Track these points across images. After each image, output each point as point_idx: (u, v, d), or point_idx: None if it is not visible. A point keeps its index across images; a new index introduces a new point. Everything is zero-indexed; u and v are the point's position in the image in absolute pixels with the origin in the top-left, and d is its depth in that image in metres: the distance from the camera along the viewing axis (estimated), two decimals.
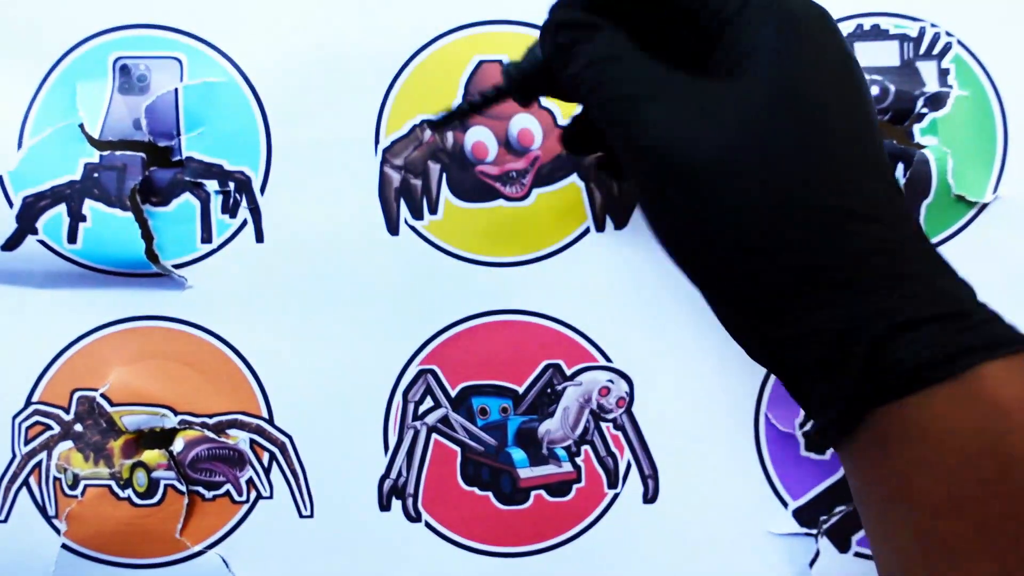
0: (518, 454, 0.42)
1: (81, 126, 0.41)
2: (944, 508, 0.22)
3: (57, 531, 0.42)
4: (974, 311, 0.23)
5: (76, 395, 0.42)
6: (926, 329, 0.22)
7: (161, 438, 0.43)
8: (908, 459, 0.22)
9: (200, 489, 0.42)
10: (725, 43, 0.25)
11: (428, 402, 0.43)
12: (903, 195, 0.25)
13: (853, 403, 0.23)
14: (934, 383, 0.22)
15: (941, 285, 0.23)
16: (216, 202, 0.42)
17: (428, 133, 0.42)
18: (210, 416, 0.42)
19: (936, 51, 0.42)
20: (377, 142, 0.42)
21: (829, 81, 0.24)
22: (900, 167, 0.41)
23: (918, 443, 0.22)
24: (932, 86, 0.42)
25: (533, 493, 0.42)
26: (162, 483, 0.42)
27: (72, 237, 0.41)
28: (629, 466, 0.42)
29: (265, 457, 0.43)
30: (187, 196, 0.42)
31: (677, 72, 0.25)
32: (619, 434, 0.42)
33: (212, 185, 0.42)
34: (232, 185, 0.42)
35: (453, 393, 0.43)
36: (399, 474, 0.43)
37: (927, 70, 0.42)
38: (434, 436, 0.43)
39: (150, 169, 0.42)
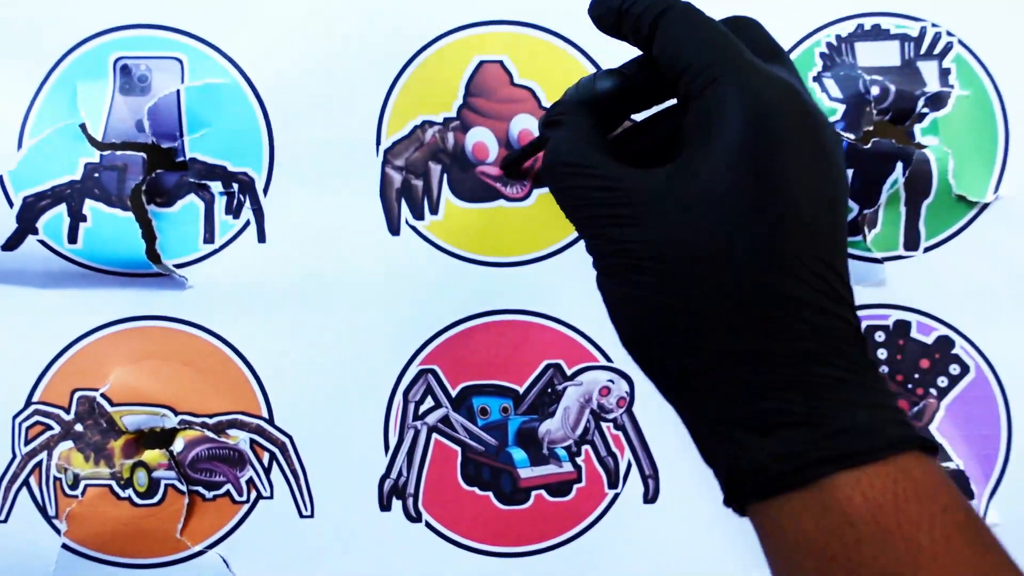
0: (518, 454, 0.42)
1: (83, 127, 0.41)
2: None
3: (57, 531, 0.42)
4: (844, 420, 0.23)
5: (76, 395, 0.42)
6: (788, 435, 0.23)
7: (161, 438, 0.42)
8: (779, 550, 0.24)
9: (200, 489, 0.42)
10: (689, 119, 0.26)
11: (428, 402, 0.42)
12: (849, 290, 0.25)
13: (728, 492, 0.25)
14: (790, 490, 0.23)
15: (841, 395, 0.24)
16: (220, 203, 0.42)
17: (429, 134, 0.42)
18: (210, 416, 0.42)
19: (937, 51, 0.42)
20: (378, 143, 0.42)
21: (786, 176, 0.24)
22: (900, 167, 0.40)
23: (783, 540, 0.23)
24: (933, 86, 0.41)
25: (533, 493, 0.42)
26: (162, 483, 0.42)
27: (72, 237, 0.41)
28: (629, 466, 0.42)
29: (265, 457, 0.42)
30: (192, 197, 0.42)
31: (627, 169, 0.26)
32: (619, 434, 0.42)
33: (216, 186, 0.42)
34: (236, 186, 0.42)
35: (453, 393, 0.42)
36: (399, 474, 0.42)
37: (928, 70, 0.42)
38: (434, 436, 0.42)
39: (156, 172, 0.42)
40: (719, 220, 0.24)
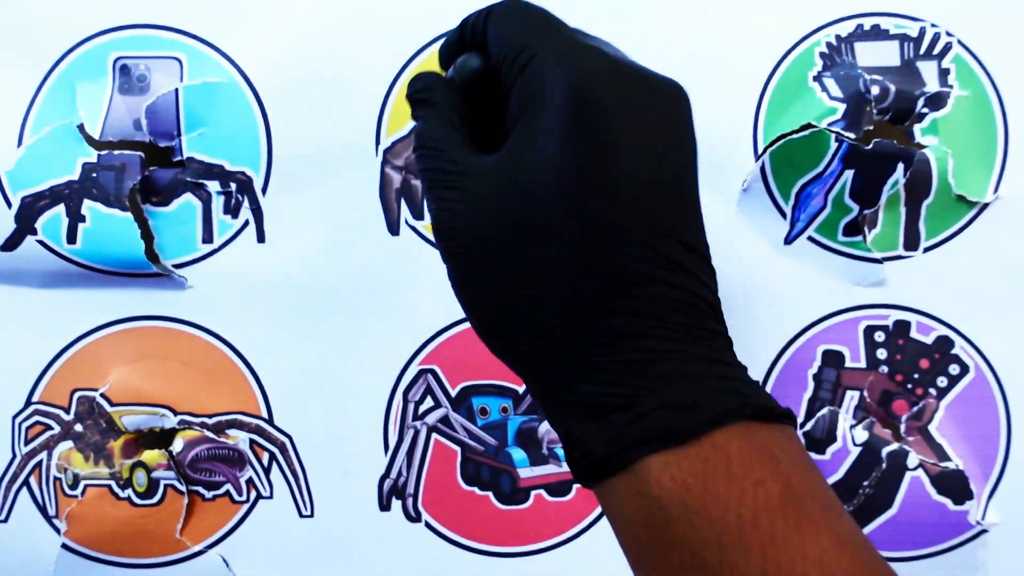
0: (518, 454, 0.42)
1: (81, 126, 0.41)
2: None
3: (57, 531, 0.42)
4: (660, 399, 0.23)
5: (76, 395, 0.42)
6: (609, 418, 0.23)
7: (161, 438, 0.42)
8: (614, 529, 0.24)
9: (200, 489, 0.42)
10: (513, 101, 0.26)
11: (428, 402, 0.42)
12: (700, 255, 0.25)
13: (574, 475, 0.25)
14: (612, 474, 0.23)
15: (655, 371, 0.23)
16: (218, 202, 0.42)
17: None
18: (210, 416, 0.42)
19: (936, 51, 0.41)
20: (378, 143, 0.42)
21: (604, 142, 0.24)
22: (900, 167, 0.40)
23: (614, 521, 0.24)
24: (932, 86, 0.41)
25: (533, 493, 0.42)
26: (162, 483, 0.42)
27: (71, 237, 0.41)
28: None
29: (265, 457, 0.42)
30: (188, 196, 0.42)
31: (472, 159, 0.26)
32: None
33: (214, 186, 0.42)
34: (234, 186, 0.42)
35: (453, 393, 0.42)
36: (399, 474, 0.42)
37: (927, 70, 0.41)
38: (434, 436, 0.42)
39: (150, 169, 0.41)
40: (540, 197, 0.24)
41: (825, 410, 0.42)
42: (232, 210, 0.42)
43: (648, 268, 0.23)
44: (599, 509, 0.42)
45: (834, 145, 0.40)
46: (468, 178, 0.25)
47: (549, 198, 0.24)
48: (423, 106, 0.28)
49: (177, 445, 0.41)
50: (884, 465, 0.41)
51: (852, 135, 0.40)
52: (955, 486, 0.41)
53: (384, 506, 0.42)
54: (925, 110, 0.41)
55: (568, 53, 0.25)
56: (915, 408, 0.42)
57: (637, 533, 0.23)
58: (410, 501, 0.42)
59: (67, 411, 0.42)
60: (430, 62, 0.42)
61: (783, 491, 0.21)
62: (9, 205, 0.41)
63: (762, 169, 0.42)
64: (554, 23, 0.26)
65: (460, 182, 0.25)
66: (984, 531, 0.41)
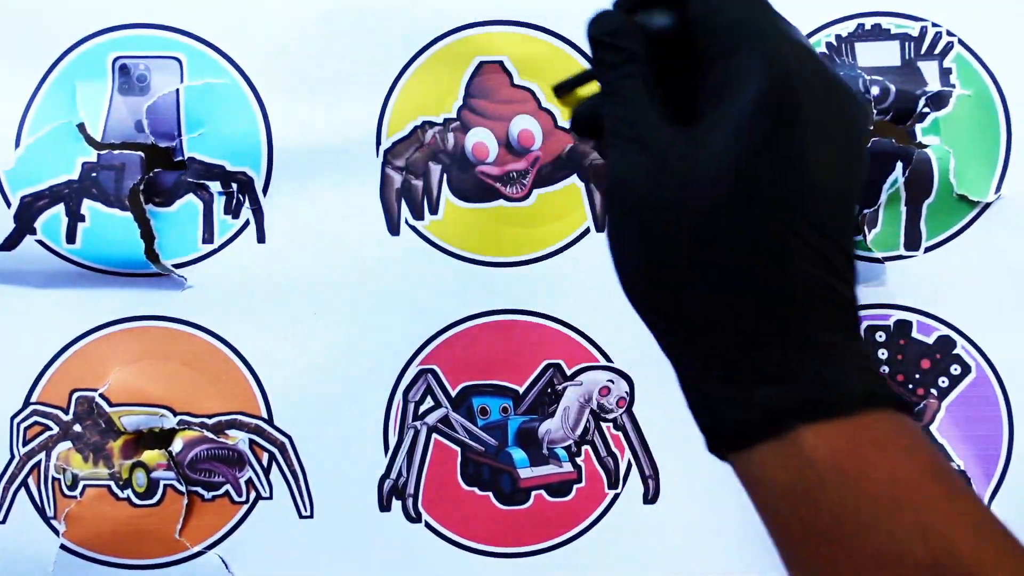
0: (518, 454, 0.42)
1: (82, 126, 0.40)
2: (785, 544, 0.24)
3: (56, 532, 0.41)
4: (814, 375, 0.24)
5: (75, 395, 0.41)
6: (762, 389, 0.24)
7: (160, 438, 0.41)
8: (756, 496, 0.25)
9: (199, 489, 0.41)
10: (711, 80, 0.26)
11: (428, 402, 0.42)
12: (849, 262, 0.26)
13: (709, 441, 0.26)
14: (761, 441, 0.24)
15: (812, 349, 0.25)
16: (219, 203, 0.41)
17: (429, 134, 0.41)
18: (209, 416, 0.41)
19: (937, 51, 0.41)
20: (378, 143, 0.41)
21: (796, 142, 0.24)
22: (900, 166, 0.40)
23: (759, 488, 0.25)
24: (934, 85, 0.41)
25: (533, 493, 0.42)
26: (161, 483, 0.41)
27: (71, 237, 0.40)
28: (629, 466, 0.41)
29: (264, 457, 0.41)
30: (190, 197, 0.41)
31: (669, 128, 0.26)
32: (619, 434, 0.41)
33: (215, 186, 0.41)
34: (235, 186, 0.41)
35: (453, 393, 0.42)
36: (399, 474, 0.42)
37: (928, 70, 0.41)
38: (434, 436, 0.42)
39: (154, 171, 0.41)
40: (729, 176, 0.24)
41: None
42: (233, 210, 0.41)
43: (809, 266, 0.24)
44: (599, 509, 0.41)
45: None
46: (660, 141, 0.26)
47: (737, 176, 0.24)
48: (615, 52, 0.28)
49: (176, 445, 0.41)
50: None
51: None
52: None
53: (384, 506, 0.42)
54: (927, 109, 0.40)
55: (778, 48, 0.25)
56: (916, 408, 0.41)
57: (786, 498, 0.23)
58: (410, 501, 0.42)
59: (66, 411, 0.41)
60: (431, 63, 0.41)
61: (931, 462, 0.23)
62: (8, 205, 0.40)
63: None
64: (765, 4, 0.26)
65: (651, 142, 0.26)
66: None
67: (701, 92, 0.26)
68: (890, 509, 0.22)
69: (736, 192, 0.24)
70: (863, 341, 0.26)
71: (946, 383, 0.41)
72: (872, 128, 0.40)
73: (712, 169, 0.24)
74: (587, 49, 0.41)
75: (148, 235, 0.41)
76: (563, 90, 0.37)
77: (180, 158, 0.41)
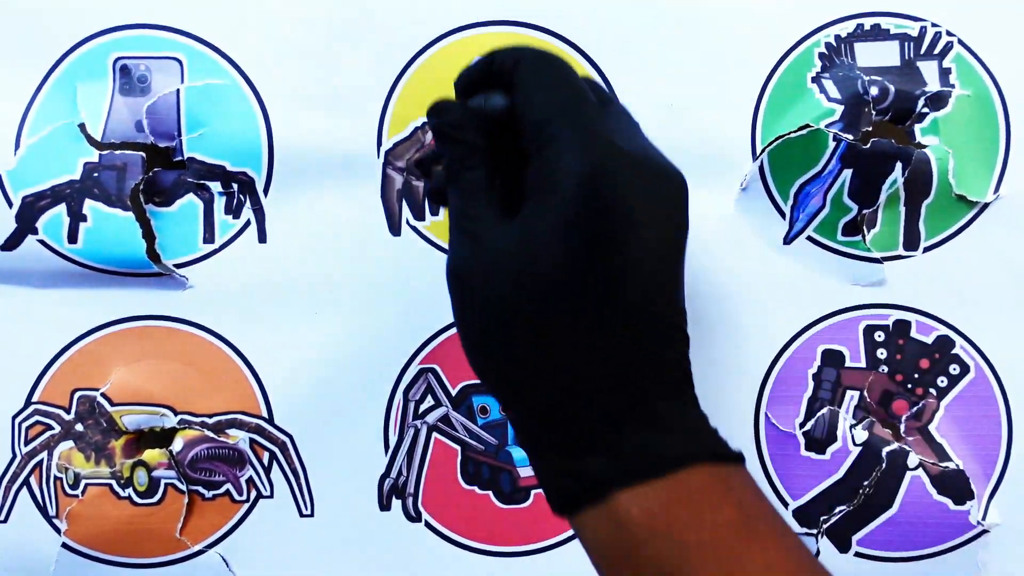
0: (518, 453, 0.41)
1: (82, 126, 0.40)
2: None
3: (57, 531, 0.41)
4: (633, 444, 0.26)
5: (77, 395, 0.41)
6: (587, 459, 0.26)
7: (161, 438, 0.41)
8: (589, 555, 0.27)
9: (200, 488, 0.41)
10: (531, 173, 0.28)
11: (428, 401, 0.41)
12: (678, 314, 0.28)
13: (551, 507, 0.28)
14: (586, 506, 0.26)
15: (633, 419, 0.26)
16: (220, 203, 0.41)
17: (430, 135, 0.41)
18: (210, 416, 0.41)
19: (937, 51, 0.41)
20: (379, 144, 0.41)
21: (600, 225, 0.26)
22: (899, 166, 0.39)
23: (589, 548, 0.27)
24: (933, 86, 0.40)
25: (533, 492, 0.41)
26: (162, 482, 0.41)
27: (72, 237, 0.40)
28: None
29: (265, 456, 0.41)
30: (190, 196, 0.41)
31: (502, 223, 0.28)
32: None
33: (216, 186, 0.41)
34: (236, 186, 0.41)
35: (453, 392, 0.41)
36: (399, 473, 0.41)
37: (928, 70, 0.40)
38: (434, 435, 0.41)
39: (154, 170, 0.41)
40: (551, 267, 0.26)
41: (825, 410, 0.41)
42: (234, 210, 0.41)
43: (643, 344, 0.26)
44: None
45: (832, 144, 0.40)
46: (492, 236, 0.27)
47: (559, 269, 0.26)
48: (454, 145, 0.29)
49: (177, 445, 0.41)
50: (884, 465, 0.40)
51: (850, 136, 0.39)
52: (955, 486, 0.40)
53: (384, 505, 0.41)
54: (926, 110, 0.40)
55: (589, 141, 0.27)
56: (915, 408, 0.41)
57: (609, 557, 0.26)
58: (410, 500, 0.41)
59: (68, 411, 0.41)
60: (431, 63, 0.41)
61: (736, 513, 0.25)
62: (10, 204, 0.40)
63: (761, 169, 0.41)
64: (578, 96, 0.28)
65: (483, 236, 0.28)
66: (985, 531, 0.40)
67: (525, 182, 0.28)
68: (696, 562, 0.24)
69: (558, 282, 0.26)
70: (692, 398, 0.28)
71: (945, 383, 0.41)
72: (871, 128, 0.40)
73: (535, 263, 0.26)
74: (587, 49, 0.41)
75: (149, 235, 0.40)
76: (422, 164, 0.40)
77: (180, 158, 0.40)
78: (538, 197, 0.27)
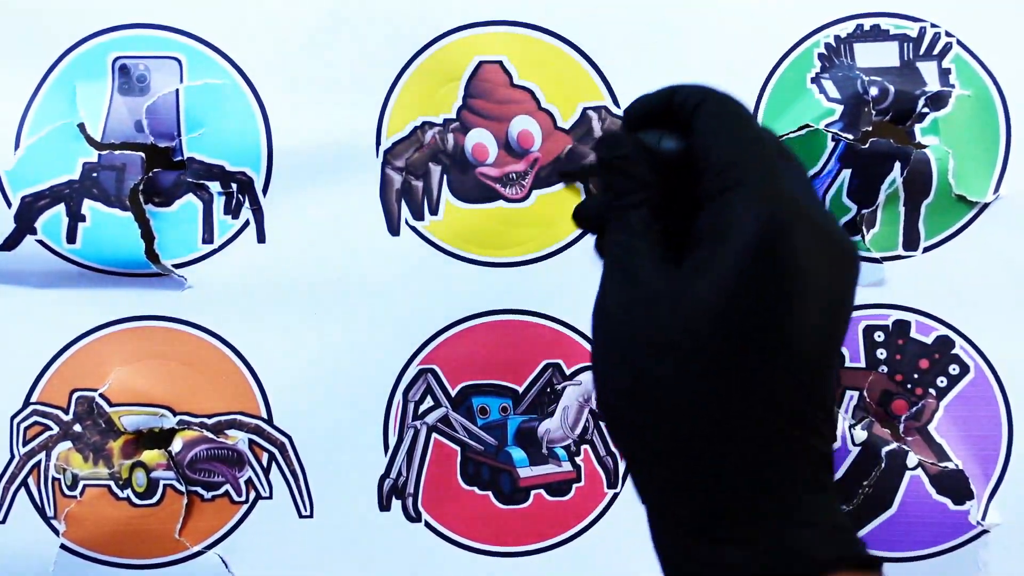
0: (518, 453, 0.41)
1: (81, 126, 0.40)
2: None
3: (56, 531, 0.40)
4: (779, 542, 0.24)
5: (75, 395, 0.40)
6: (727, 551, 0.24)
7: (160, 438, 0.41)
8: None
9: (199, 489, 0.41)
10: (703, 220, 0.25)
11: (428, 401, 0.41)
12: (827, 414, 0.25)
13: None
14: None
15: (778, 515, 0.24)
16: (219, 203, 0.41)
17: (429, 135, 0.41)
18: (209, 416, 0.40)
19: (936, 51, 0.40)
20: (378, 144, 0.41)
21: (780, 295, 0.24)
22: (898, 166, 0.39)
23: None
24: (933, 86, 0.40)
25: (533, 492, 0.41)
26: (161, 483, 0.40)
27: (71, 237, 0.40)
28: None
29: (264, 457, 0.41)
30: (190, 197, 0.40)
31: (663, 266, 0.26)
32: None
33: (215, 186, 0.40)
34: (235, 186, 0.40)
35: (453, 392, 0.41)
36: (399, 474, 0.41)
37: (927, 70, 0.40)
38: (434, 436, 0.41)
39: (154, 171, 0.40)
40: (707, 332, 0.24)
41: None
42: (233, 210, 0.41)
43: (790, 428, 0.24)
44: (599, 509, 0.41)
45: (831, 145, 0.39)
46: (652, 279, 0.25)
47: (716, 336, 0.24)
48: (625, 180, 0.27)
49: (176, 445, 0.40)
50: (884, 465, 0.40)
51: (850, 135, 0.39)
52: (955, 486, 0.39)
53: (384, 506, 0.41)
54: (926, 110, 0.40)
55: (768, 195, 0.24)
56: (915, 408, 0.40)
57: None
58: (410, 501, 0.41)
59: (66, 411, 0.40)
60: (430, 63, 0.41)
61: None
62: (9, 205, 0.39)
63: None
64: (762, 142, 0.26)
65: (643, 278, 0.25)
66: (985, 531, 0.40)
67: (694, 228, 0.25)
68: None
69: (714, 339, 0.23)
70: (836, 496, 0.25)
71: (945, 383, 0.40)
72: (871, 128, 0.39)
73: (693, 315, 0.24)
74: (586, 49, 0.41)
75: (148, 235, 0.40)
76: (569, 176, 0.39)
77: (180, 158, 0.40)
78: (709, 243, 0.24)
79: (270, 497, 0.41)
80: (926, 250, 0.41)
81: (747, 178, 0.25)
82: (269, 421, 0.41)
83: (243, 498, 0.41)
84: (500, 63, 0.41)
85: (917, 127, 0.40)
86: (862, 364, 0.41)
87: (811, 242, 0.24)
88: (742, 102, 0.27)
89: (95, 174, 0.40)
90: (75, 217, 0.39)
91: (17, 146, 0.39)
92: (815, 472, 0.24)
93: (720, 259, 0.24)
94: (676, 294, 0.24)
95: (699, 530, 0.24)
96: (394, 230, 0.41)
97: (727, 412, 0.24)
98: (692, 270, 0.24)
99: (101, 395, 0.40)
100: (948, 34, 0.40)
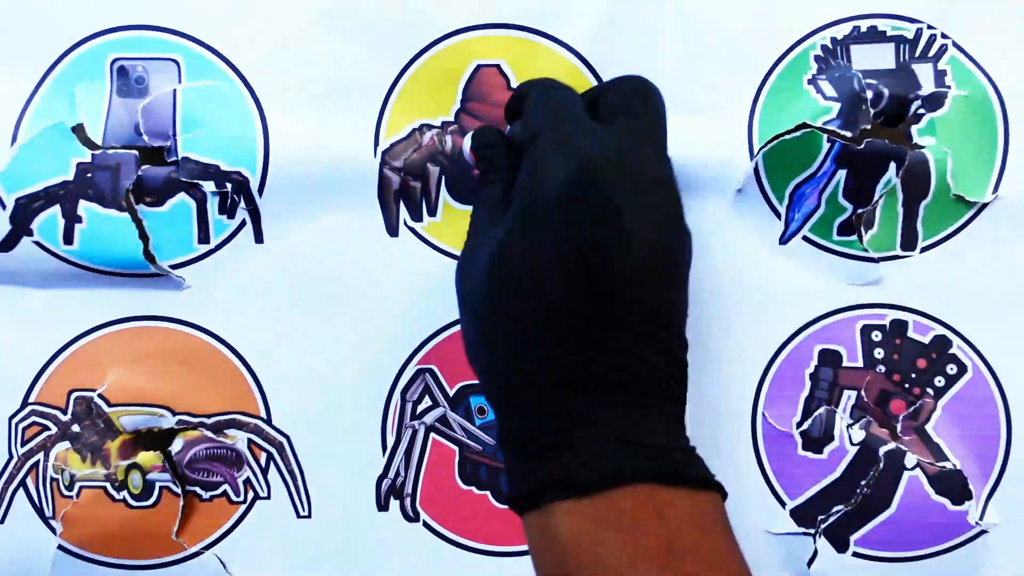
0: None
1: (81, 128, 0.39)
2: None
3: (54, 532, 0.39)
4: (577, 454, 0.25)
5: (73, 396, 0.39)
6: (533, 463, 0.26)
7: (159, 438, 0.40)
8: (531, 555, 0.26)
9: (197, 490, 0.40)
10: (520, 174, 0.29)
11: (426, 401, 0.40)
12: (670, 330, 0.27)
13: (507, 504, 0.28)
14: (527, 510, 0.26)
15: (586, 429, 0.26)
16: (213, 203, 0.40)
17: (427, 137, 0.40)
18: (208, 416, 0.40)
19: (932, 53, 0.39)
20: (376, 144, 0.40)
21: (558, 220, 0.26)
22: (893, 166, 0.38)
23: (530, 549, 0.26)
24: (928, 88, 0.39)
25: None
26: (157, 485, 0.39)
27: (68, 238, 0.39)
28: None
29: (263, 457, 0.40)
30: (182, 196, 0.40)
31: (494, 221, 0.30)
32: None
33: (209, 186, 0.39)
34: (230, 186, 0.39)
35: (451, 392, 0.40)
36: (397, 474, 0.40)
37: (923, 72, 0.39)
38: (432, 435, 0.40)
39: (142, 168, 0.39)
40: (534, 268, 0.26)
41: (822, 409, 0.40)
42: (228, 210, 0.40)
43: (623, 341, 0.25)
44: None
45: (827, 145, 0.38)
46: (483, 236, 0.29)
47: (540, 271, 0.26)
48: (480, 163, 0.33)
49: (176, 445, 0.39)
50: (882, 464, 0.39)
51: (847, 134, 0.38)
52: (953, 486, 0.39)
53: (382, 506, 0.40)
54: (922, 111, 0.39)
55: (569, 140, 0.27)
56: (912, 408, 0.40)
57: (541, 562, 0.25)
58: (408, 501, 0.40)
59: (64, 412, 0.40)
60: (428, 66, 0.40)
61: (663, 545, 0.23)
62: (3, 207, 0.38)
63: (756, 170, 0.40)
64: (570, 109, 0.29)
65: (477, 238, 0.29)
66: (984, 532, 0.39)
67: (513, 188, 0.29)
68: None
69: (529, 277, 0.26)
70: (677, 411, 0.27)
71: (942, 383, 0.40)
72: (868, 129, 0.39)
73: (501, 242, 0.27)
74: (584, 53, 0.40)
75: (145, 235, 0.39)
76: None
77: (174, 158, 0.39)
78: (518, 197, 0.28)
79: (268, 497, 0.40)
80: (924, 250, 0.40)
81: (547, 135, 0.28)
82: (268, 421, 0.40)
83: (241, 498, 0.40)
84: (498, 67, 0.40)
85: (914, 128, 0.39)
86: (860, 364, 0.40)
87: (612, 181, 0.26)
88: (564, 85, 0.31)
89: (89, 174, 0.39)
90: (71, 218, 0.39)
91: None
92: (655, 392, 0.26)
93: (519, 213, 0.27)
94: (496, 247, 0.27)
95: (523, 449, 0.26)
96: (392, 231, 0.40)
97: (543, 338, 0.26)
98: (505, 225, 0.28)
99: (100, 395, 0.39)
100: (944, 36, 0.39)
